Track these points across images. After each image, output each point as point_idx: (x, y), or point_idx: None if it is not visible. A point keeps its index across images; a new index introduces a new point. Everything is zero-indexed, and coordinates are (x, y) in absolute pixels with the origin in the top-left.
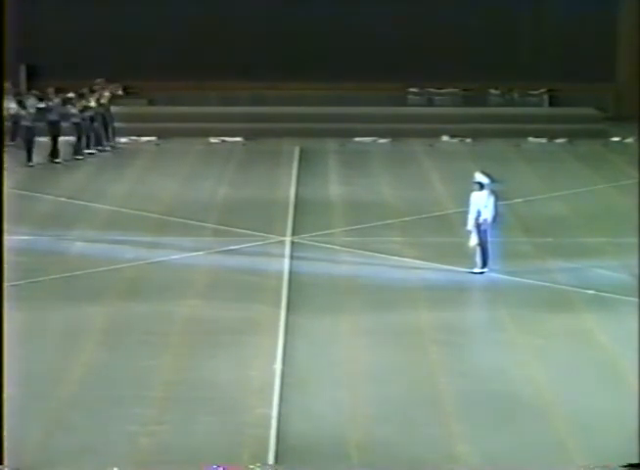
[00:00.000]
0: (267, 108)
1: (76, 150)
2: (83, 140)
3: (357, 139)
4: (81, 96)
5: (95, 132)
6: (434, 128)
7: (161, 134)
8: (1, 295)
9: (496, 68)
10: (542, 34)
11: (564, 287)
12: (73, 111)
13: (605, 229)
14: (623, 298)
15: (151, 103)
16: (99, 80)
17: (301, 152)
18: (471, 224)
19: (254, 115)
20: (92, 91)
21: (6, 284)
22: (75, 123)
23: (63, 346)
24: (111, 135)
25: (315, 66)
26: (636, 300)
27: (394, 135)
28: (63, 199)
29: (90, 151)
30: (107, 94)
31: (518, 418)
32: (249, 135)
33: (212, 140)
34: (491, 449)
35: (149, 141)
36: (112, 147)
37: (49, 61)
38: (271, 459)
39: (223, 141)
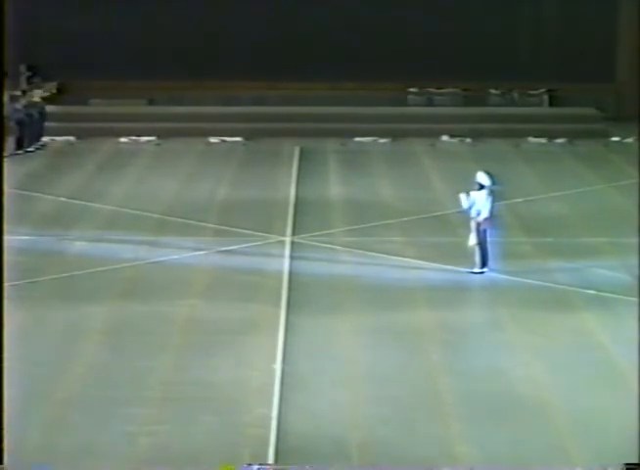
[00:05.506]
0: (267, 108)
1: (18, 146)
2: (24, 137)
3: (357, 139)
4: (23, 94)
5: (32, 130)
6: (434, 128)
7: (161, 134)
8: (1, 295)
9: (496, 68)
10: (542, 34)
11: (564, 287)
12: (18, 108)
13: (605, 229)
14: (623, 298)
15: (151, 103)
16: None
17: (301, 152)
18: (465, 204)
19: (254, 115)
20: (30, 90)
21: (6, 284)
22: (19, 121)
23: (62, 346)
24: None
25: (315, 66)
26: (636, 300)
27: (394, 135)
28: (63, 199)
29: (29, 148)
30: (41, 92)
31: (517, 418)
32: (249, 135)
33: (212, 140)
34: (491, 449)
35: (149, 141)
36: (41, 146)
37: (49, 61)
38: (271, 459)
39: (223, 141)
